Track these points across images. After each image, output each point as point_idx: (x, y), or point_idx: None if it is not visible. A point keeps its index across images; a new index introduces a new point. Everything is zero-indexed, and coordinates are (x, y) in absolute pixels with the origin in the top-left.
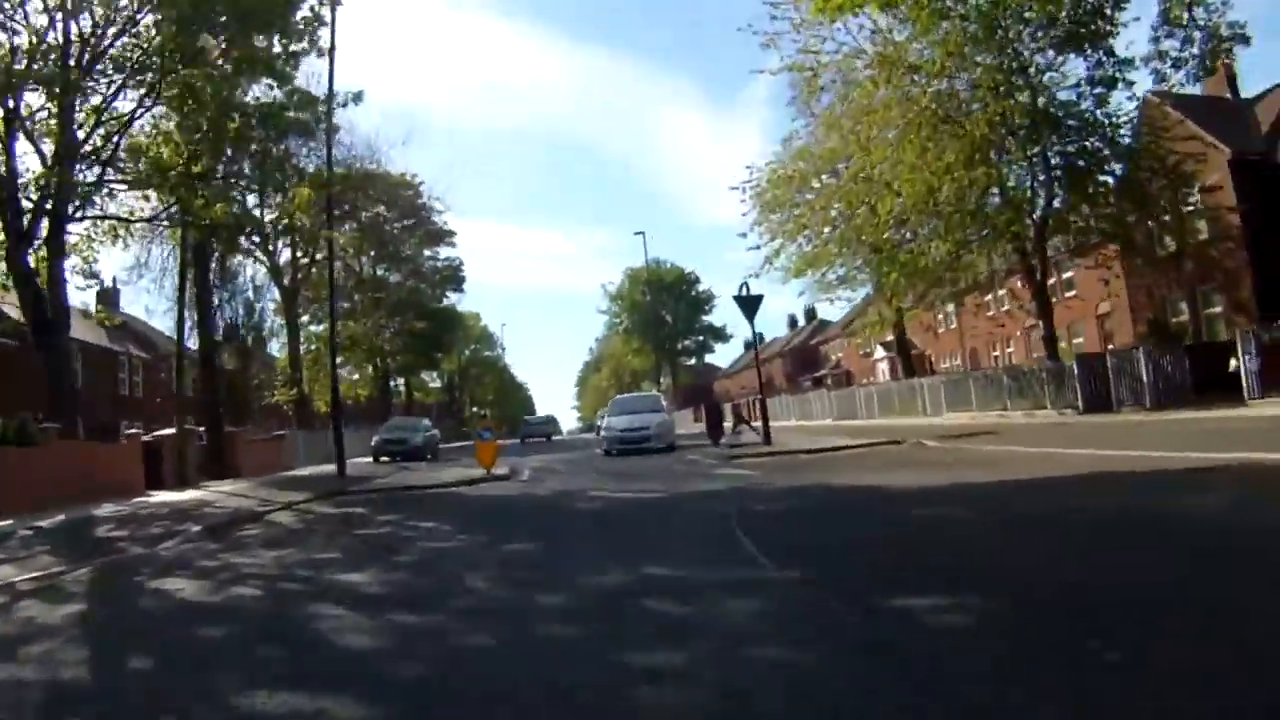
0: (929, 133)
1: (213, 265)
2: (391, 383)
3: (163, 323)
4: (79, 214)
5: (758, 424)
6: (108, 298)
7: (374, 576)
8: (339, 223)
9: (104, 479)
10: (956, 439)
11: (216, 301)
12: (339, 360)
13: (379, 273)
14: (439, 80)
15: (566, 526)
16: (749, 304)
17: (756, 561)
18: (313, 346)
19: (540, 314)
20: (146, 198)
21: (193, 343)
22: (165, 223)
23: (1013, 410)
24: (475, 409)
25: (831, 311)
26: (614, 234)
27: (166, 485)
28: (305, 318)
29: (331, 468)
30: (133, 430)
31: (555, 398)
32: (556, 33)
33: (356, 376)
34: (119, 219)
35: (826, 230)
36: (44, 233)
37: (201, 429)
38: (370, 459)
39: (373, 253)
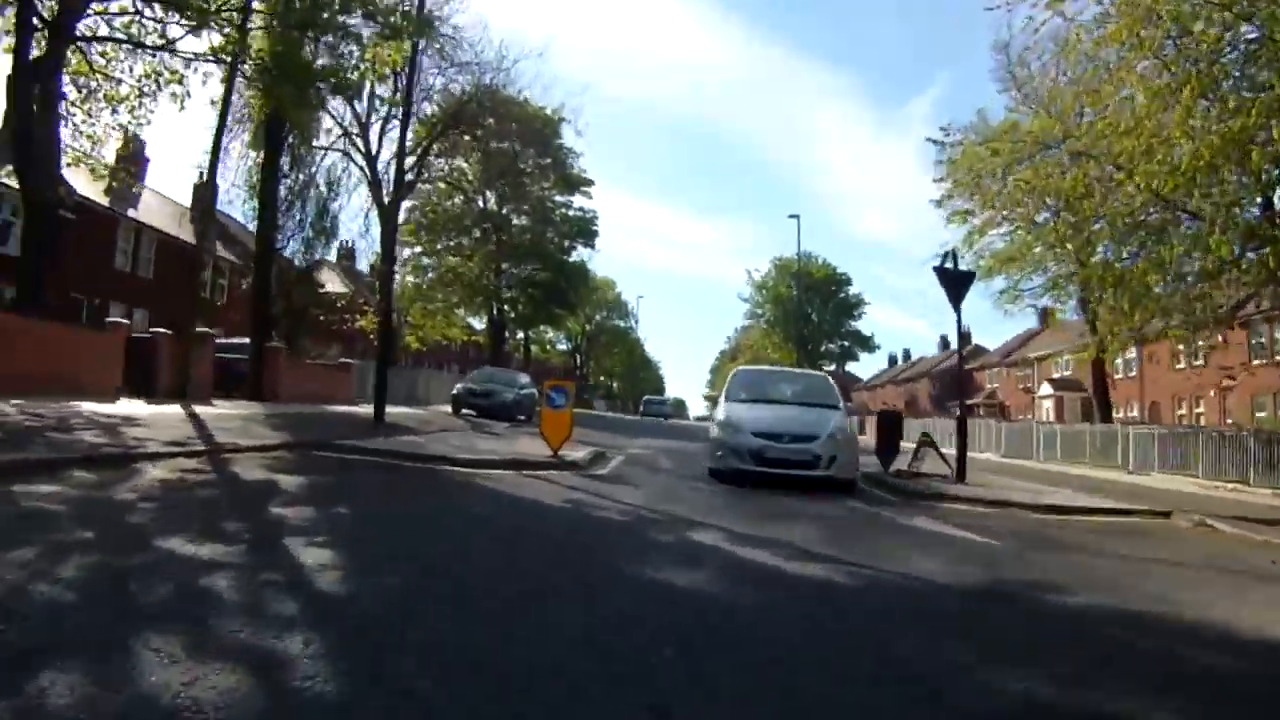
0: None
1: (286, 153)
2: (508, 334)
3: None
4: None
5: (949, 451)
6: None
7: None
8: (465, 152)
9: (64, 370)
10: (1269, 525)
11: (283, 194)
12: (439, 298)
13: (504, 211)
14: (592, 46)
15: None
16: (956, 281)
17: None
18: (409, 278)
19: (676, 298)
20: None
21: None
22: (208, 56)
23: (1257, 485)
24: (602, 378)
25: (992, 333)
26: (760, 229)
27: (157, 394)
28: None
29: (397, 409)
30: (116, 320)
31: (686, 382)
32: (729, 15)
33: (465, 318)
34: (134, 43)
35: (1030, 224)
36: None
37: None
38: (449, 409)
39: (501, 186)
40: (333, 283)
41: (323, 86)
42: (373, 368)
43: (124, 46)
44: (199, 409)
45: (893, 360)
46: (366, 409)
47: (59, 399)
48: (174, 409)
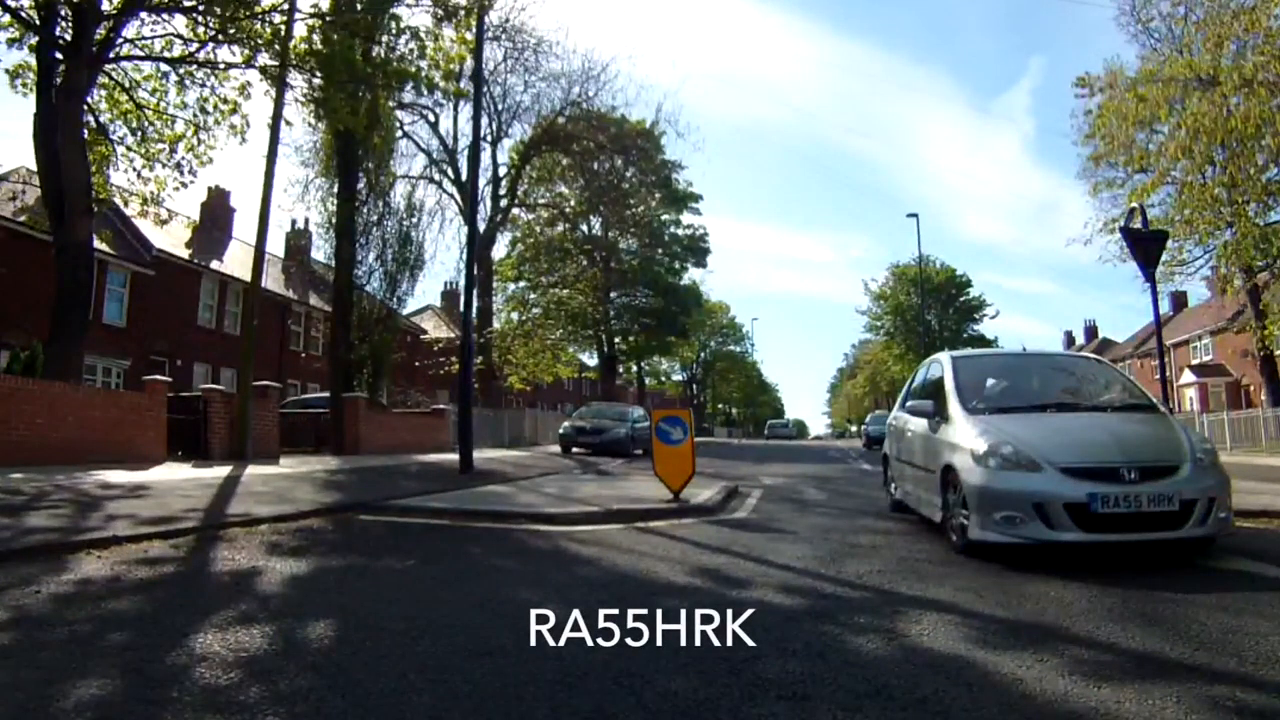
0: None
1: (361, 179)
2: (620, 367)
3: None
4: (114, 40)
5: None
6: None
7: None
8: (564, 175)
9: (109, 437)
10: None
11: (360, 225)
12: (546, 334)
13: (609, 235)
14: (682, 65)
15: None
16: (1147, 242)
17: None
18: (512, 314)
19: (790, 319)
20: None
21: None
22: (243, 64)
23: None
24: (720, 405)
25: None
26: (869, 240)
27: (212, 456)
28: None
29: (496, 453)
30: (155, 378)
31: (804, 405)
32: (814, 24)
33: (575, 353)
34: (156, 58)
35: (1193, 182)
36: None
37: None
38: (559, 449)
39: (604, 209)
40: (438, 327)
41: (380, 85)
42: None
43: (169, 78)
44: (253, 470)
45: None
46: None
47: (88, 467)
48: (213, 473)
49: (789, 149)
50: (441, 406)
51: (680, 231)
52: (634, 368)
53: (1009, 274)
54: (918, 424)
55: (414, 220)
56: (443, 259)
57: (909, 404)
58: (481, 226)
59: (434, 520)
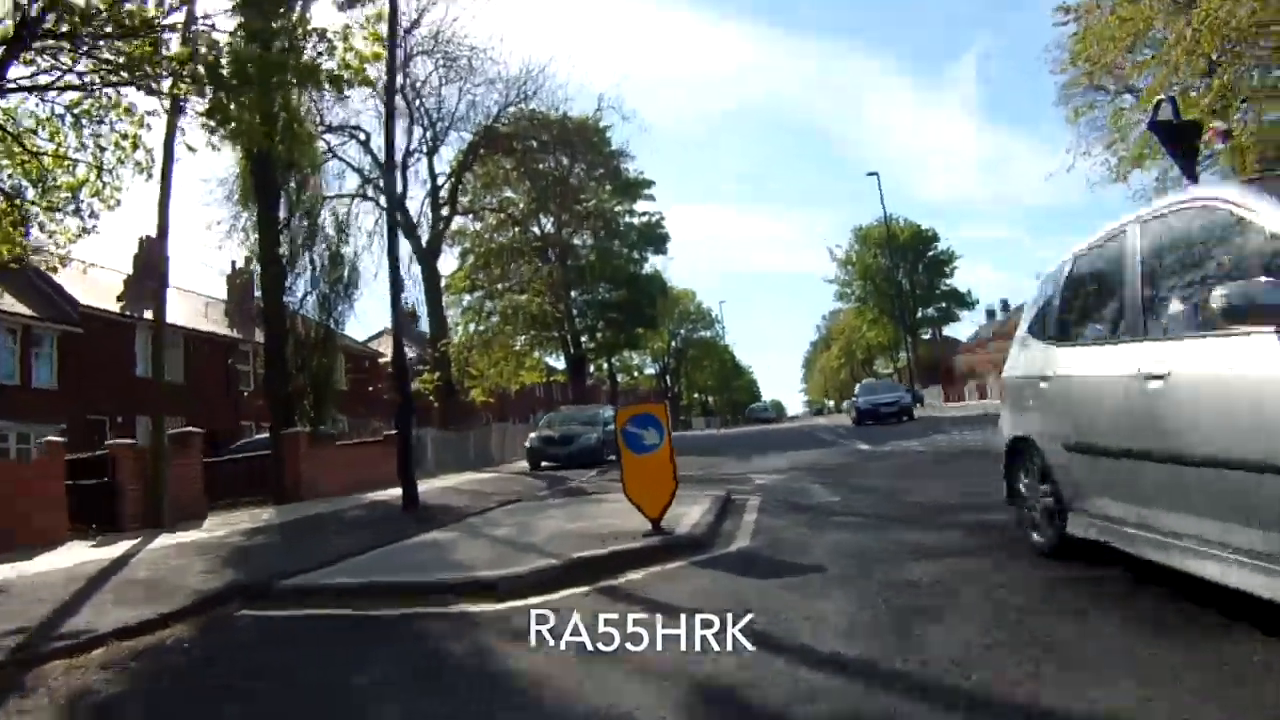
0: None
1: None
2: (590, 366)
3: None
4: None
5: None
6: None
7: None
8: (510, 178)
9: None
10: None
11: (288, 250)
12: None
13: (562, 233)
14: (625, 70)
15: None
16: (1179, 135)
17: None
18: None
19: (761, 299)
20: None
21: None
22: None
23: None
24: (695, 395)
25: None
26: (830, 214)
27: (125, 524)
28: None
29: (459, 478)
30: (52, 439)
31: (780, 385)
32: (747, 21)
33: (541, 358)
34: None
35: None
36: None
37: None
38: (526, 463)
39: (554, 207)
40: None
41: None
42: (431, 436)
43: (65, 120)
44: (162, 541)
45: (990, 314)
46: (425, 484)
47: None
48: (109, 552)
49: (742, 137)
50: (391, 432)
51: (635, 220)
52: (605, 365)
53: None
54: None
55: (344, 238)
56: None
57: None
58: (425, 237)
59: (334, 611)
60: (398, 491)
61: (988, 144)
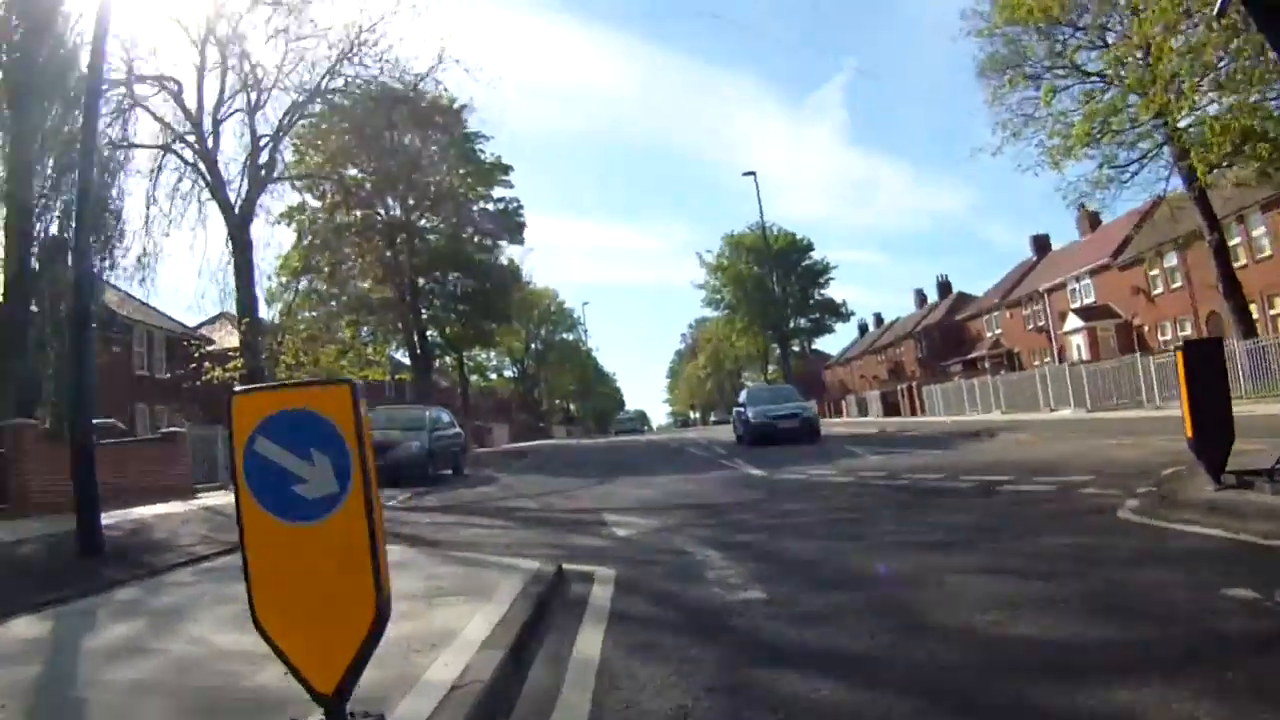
0: None
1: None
2: (439, 363)
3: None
4: None
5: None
6: None
7: None
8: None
9: None
10: None
11: (39, 195)
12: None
13: (411, 218)
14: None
15: None
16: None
17: None
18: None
19: (625, 311)
20: None
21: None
22: None
23: None
24: (557, 401)
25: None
26: (695, 228)
27: None
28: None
29: (212, 499)
30: None
31: (645, 395)
32: (622, 36)
33: (386, 352)
34: None
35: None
36: None
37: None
38: None
39: (403, 188)
40: (231, 335)
41: None
42: (221, 436)
43: None
44: None
45: (863, 329)
46: (180, 506)
47: None
48: None
49: (604, 153)
50: (176, 430)
51: (491, 206)
52: (456, 363)
53: (845, 247)
54: None
55: (108, 181)
56: (209, 255)
57: None
58: (239, 202)
59: None
60: (174, 507)
61: (857, 166)
